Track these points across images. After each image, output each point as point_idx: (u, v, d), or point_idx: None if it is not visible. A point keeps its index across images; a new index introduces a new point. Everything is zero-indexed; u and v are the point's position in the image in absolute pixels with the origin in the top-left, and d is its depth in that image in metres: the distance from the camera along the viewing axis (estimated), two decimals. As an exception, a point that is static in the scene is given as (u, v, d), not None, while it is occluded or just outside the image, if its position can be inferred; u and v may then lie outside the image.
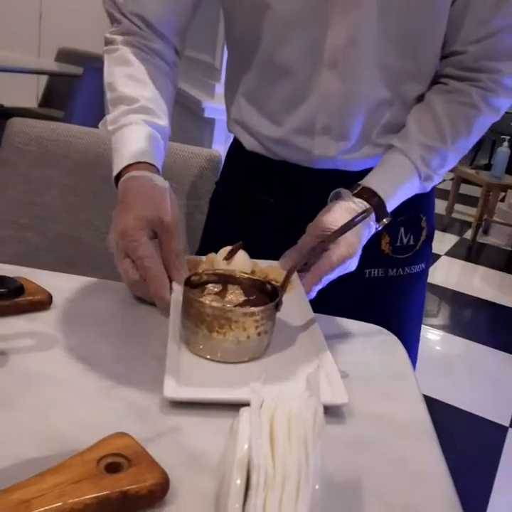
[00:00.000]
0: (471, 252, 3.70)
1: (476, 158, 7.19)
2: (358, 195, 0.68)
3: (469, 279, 3.30)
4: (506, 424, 1.86)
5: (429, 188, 0.73)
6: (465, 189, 4.34)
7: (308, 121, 0.72)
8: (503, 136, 3.82)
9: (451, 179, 4.10)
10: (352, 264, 0.65)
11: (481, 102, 0.70)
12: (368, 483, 0.41)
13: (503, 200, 4.35)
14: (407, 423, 0.50)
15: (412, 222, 0.79)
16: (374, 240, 0.72)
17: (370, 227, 0.67)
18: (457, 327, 2.61)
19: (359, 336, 0.63)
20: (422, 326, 2.67)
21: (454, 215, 4.10)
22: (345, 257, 0.63)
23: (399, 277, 0.80)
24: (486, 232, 4.04)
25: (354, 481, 0.41)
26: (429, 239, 0.82)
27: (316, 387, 0.33)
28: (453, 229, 4.05)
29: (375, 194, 0.68)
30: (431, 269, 3.15)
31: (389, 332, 0.65)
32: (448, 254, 3.55)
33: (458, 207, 4.14)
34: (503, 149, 3.73)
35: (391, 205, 0.70)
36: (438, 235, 3.91)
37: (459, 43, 0.69)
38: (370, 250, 0.71)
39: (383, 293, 0.80)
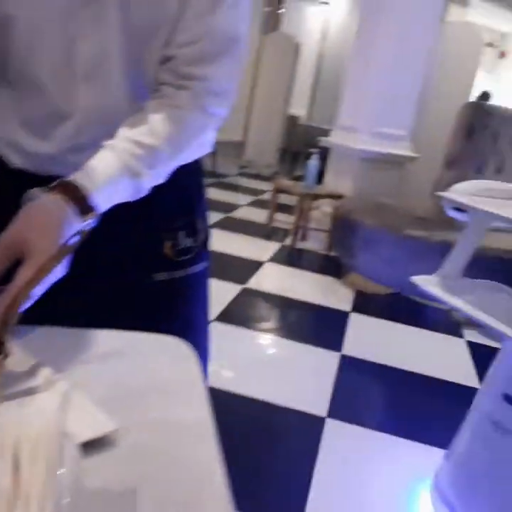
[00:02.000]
0: (292, 258, 3.96)
1: (294, 171, 7.74)
2: (52, 191, 0.62)
3: (292, 283, 3.53)
4: (324, 415, 2.01)
5: (145, 187, 0.72)
6: (284, 199, 4.63)
7: (75, 136, 0.73)
8: (312, 150, 4.17)
9: (272, 190, 4.35)
10: (60, 268, 0.59)
11: (191, 106, 0.73)
12: (148, 487, 0.42)
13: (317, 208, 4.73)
14: (190, 427, 0.52)
15: (189, 226, 0.86)
16: (157, 247, 0.77)
17: (70, 223, 0.60)
18: (284, 329, 2.77)
19: (147, 347, 0.65)
20: (253, 331, 2.77)
21: (275, 223, 4.36)
22: (46, 265, 0.55)
23: (185, 278, 0.86)
24: (304, 238, 4.36)
25: (132, 488, 0.42)
26: (206, 239, 0.91)
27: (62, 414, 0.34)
28: (275, 236, 4.30)
29: (74, 188, 0.63)
30: (257, 276, 3.35)
31: (178, 339, 0.67)
32: (271, 260, 3.75)
33: (278, 216, 4.41)
34: (312, 162, 4.06)
35: (101, 200, 0.65)
36: (262, 243, 4.12)
37: (171, 47, 0.72)
38: (155, 256, 0.74)
39: (173, 296, 0.85)
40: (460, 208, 1.37)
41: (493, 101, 7.55)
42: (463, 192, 1.43)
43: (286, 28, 7.78)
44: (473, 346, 2.84)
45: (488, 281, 1.48)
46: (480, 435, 1.42)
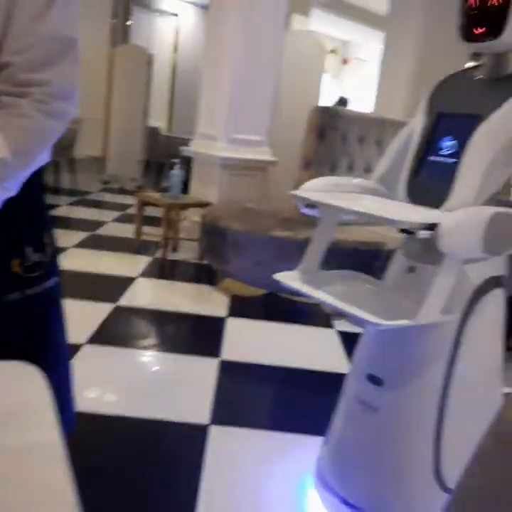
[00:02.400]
0: (163, 270, 3.92)
1: (159, 182, 7.67)
2: None
3: (166, 295, 3.48)
4: (207, 422, 2.01)
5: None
6: (152, 212, 4.56)
7: None
8: (174, 160, 4.16)
9: (136, 203, 4.26)
10: None
11: (35, 113, 0.72)
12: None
13: (185, 218, 4.73)
14: (39, 451, 0.49)
15: (36, 240, 0.82)
16: (4, 265, 0.73)
17: None
18: (162, 343, 2.72)
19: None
20: (130, 349, 2.68)
21: (144, 237, 4.28)
22: None
23: (38, 295, 0.83)
24: (175, 250, 4.33)
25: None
26: (55, 252, 0.88)
27: None
28: (144, 251, 4.23)
29: None
30: (129, 292, 3.26)
31: (26, 363, 0.64)
32: (143, 275, 3.68)
33: (146, 229, 4.33)
34: (175, 172, 4.05)
35: None
36: (131, 258, 4.03)
37: (4, 54, 0.70)
38: (4, 276, 0.71)
39: (29, 315, 0.82)
40: (312, 205, 1.44)
41: (350, 106, 8.08)
42: (312, 189, 1.50)
43: (137, 39, 7.70)
44: (342, 335, 3.00)
45: (344, 270, 1.57)
46: (350, 416, 1.50)
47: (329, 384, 2.41)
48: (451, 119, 1.43)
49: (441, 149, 1.43)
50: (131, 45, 7.39)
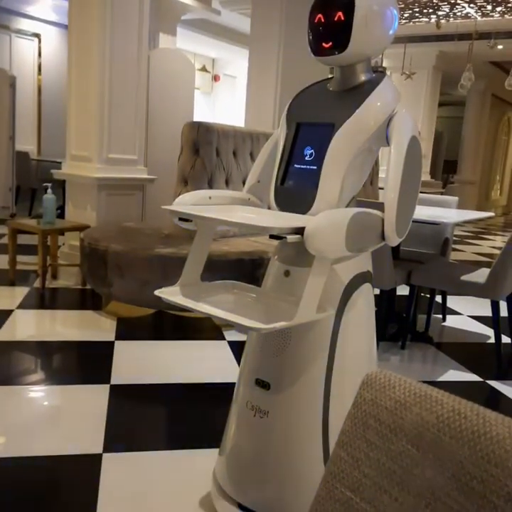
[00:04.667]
0: (44, 300, 3.72)
1: (32, 207, 7.30)
2: None
3: (49, 326, 3.31)
4: (100, 451, 1.93)
5: None
6: (28, 239, 4.32)
7: None
8: (45, 184, 3.98)
9: (5, 226, 4.01)
10: None
11: None
12: None
13: (64, 244, 4.54)
14: None
15: None
16: None
17: None
18: (50, 376, 2.57)
19: None
20: (14, 387, 2.49)
21: (19, 266, 4.04)
22: None
23: None
24: (55, 277, 4.13)
25: None
26: None
27: None
28: (21, 281, 3.99)
29: None
30: (7, 326, 3.05)
31: None
32: (21, 307, 3.47)
33: (21, 258, 4.09)
34: (48, 196, 3.88)
35: None
36: (6, 290, 3.78)
37: None
38: None
39: None
40: (185, 219, 1.45)
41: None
42: (185, 203, 1.52)
43: (-4, 61, 7.30)
44: (233, 345, 3.04)
45: (224, 281, 1.60)
46: (242, 422, 1.52)
47: (222, 394, 2.43)
48: (310, 128, 1.52)
49: (303, 157, 1.51)
50: (-10, 67, 6.98)
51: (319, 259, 1.29)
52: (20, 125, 7.18)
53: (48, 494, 1.70)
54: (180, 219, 1.45)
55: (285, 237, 1.24)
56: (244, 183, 3.92)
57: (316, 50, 1.48)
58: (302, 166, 1.50)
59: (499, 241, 8.36)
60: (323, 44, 1.45)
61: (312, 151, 1.49)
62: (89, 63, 4.08)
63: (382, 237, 1.40)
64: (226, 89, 11.02)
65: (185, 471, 1.86)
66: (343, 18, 1.40)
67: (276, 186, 1.54)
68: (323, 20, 1.43)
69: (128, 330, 3.21)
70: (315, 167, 1.46)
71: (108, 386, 2.44)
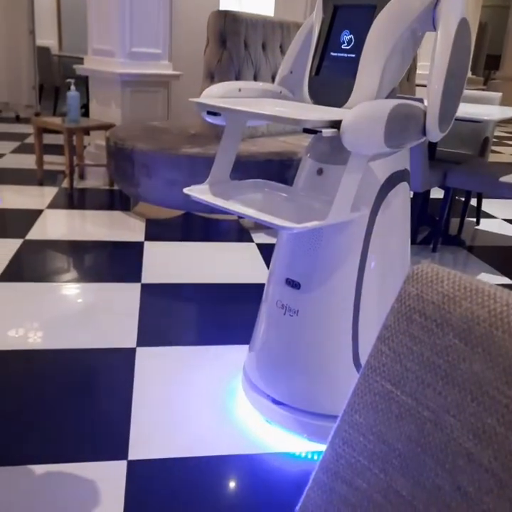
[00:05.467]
0: (73, 200, 3.74)
1: (57, 106, 7.17)
2: None
3: (79, 225, 3.35)
4: (133, 345, 2.00)
5: None
6: (53, 139, 4.28)
7: None
8: (68, 80, 3.86)
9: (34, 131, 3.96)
10: None
11: None
12: None
13: (89, 144, 4.49)
14: None
15: None
16: None
17: None
18: (80, 274, 2.63)
19: None
20: (46, 283, 2.56)
21: (46, 166, 4.03)
22: None
23: None
24: (82, 177, 4.12)
25: None
26: None
27: None
28: (49, 181, 3.99)
29: None
30: (37, 226, 3.10)
31: None
32: (51, 207, 3.50)
33: (47, 158, 4.07)
34: (72, 93, 3.77)
35: None
36: (36, 190, 3.80)
37: None
38: None
39: None
40: (215, 112, 1.38)
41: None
42: (214, 95, 1.44)
43: None
44: (261, 247, 3.04)
45: (255, 180, 1.55)
46: (272, 320, 1.54)
47: (251, 294, 2.46)
48: (348, 10, 1.39)
49: (341, 44, 1.39)
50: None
51: (355, 155, 1.23)
52: (39, 17, 6.88)
53: (86, 383, 1.79)
54: (209, 113, 1.38)
55: (320, 131, 1.17)
56: (273, 78, 3.75)
57: None
58: (339, 54, 1.39)
59: (540, 142, 7.98)
60: None
61: (351, 36, 1.37)
62: None
63: (424, 132, 1.32)
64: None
65: (217, 364, 1.92)
66: None
67: (310, 77, 1.44)
68: None
69: (157, 231, 3.23)
70: (353, 55, 1.36)
71: (139, 285, 2.49)
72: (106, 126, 3.85)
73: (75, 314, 2.22)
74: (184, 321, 2.27)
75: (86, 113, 4.70)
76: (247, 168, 3.17)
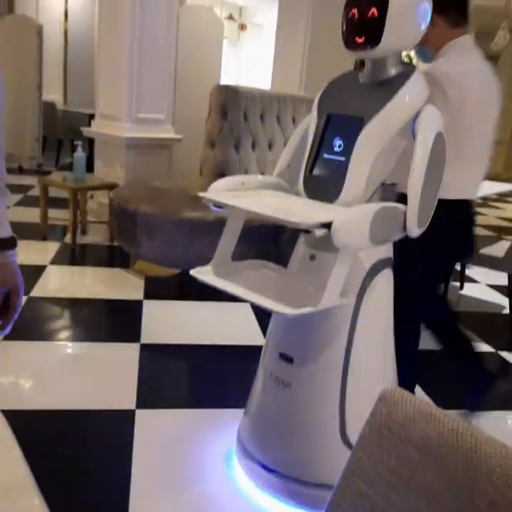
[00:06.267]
0: (75, 256, 3.89)
1: (59, 158, 7.41)
2: None
3: (80, 282, 3.48)
4: (133, 407, 2.11)
5: None
6: (56, 192, 4.45)
7: None
8: (76, 142, 4.08)
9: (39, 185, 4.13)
10: None
11: None
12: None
13: (92, 197, 4.67)
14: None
15: None
16: None
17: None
18: (80, 332, 2.75)
19: None
20: (47, 342, 2.65)
21: (50, 221, 4.19)
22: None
23: None
24: (84, 232, 4.29)
25: None
26: None
27: None
28: (52, 235, 4.15)
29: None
30: (41, 282, 3.23)
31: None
32: (54, 263, 3.64)
33: (52, 212, 4.24)
34: (78, 154, 3.98)
35: None
36: (39, 245, 3.95)
37: None
38: None
39: None
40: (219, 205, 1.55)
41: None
42: (220, 189, 1.61)
43: (23, 10, 7.26)
44: (256, 308, 3.18)
45: (252, 260, 1.71)
46: (266, 390, 1.67)
47: (246, 357, 2.59)
48: (340, 119, 1.58)
49: (333, 147, 1.58)
50: (17, 16, 6.95)
51: (344, 250, 1.39)
52: (47, 73, 7.20)
53: (82, 446, 1.89)
54: (215, 205, 1.55)
55: (313, 231, 1.33)
56: (270, 146, 3.98)
57: (348, 43, 1.52)
58: (331, 156, 1.57)
59: (523, 204, 8.29)
60: (356, 38, 1.50)
61: (341, 142, 1.56)
62: (118, 20, 4.08)
63: (404, 229, 1.49)
64: (253, 38, 10.80)
65: (212, 428, 2.03)
66: (376, 15, 1.44)
67: (305, 173, 1.62)
68: (357, 15, 1.48)
69: (155, 289, 3.37)
70: (343, 158, 1.54)
71: (138, 345, 2.62)
72: (110, 186, 4.04)
73: (75, 374, 2.34)
74: (182, 383, 2.38)
75: (89, 166, 4.90)
76: (242, 232, 3.34)
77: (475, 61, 1.95)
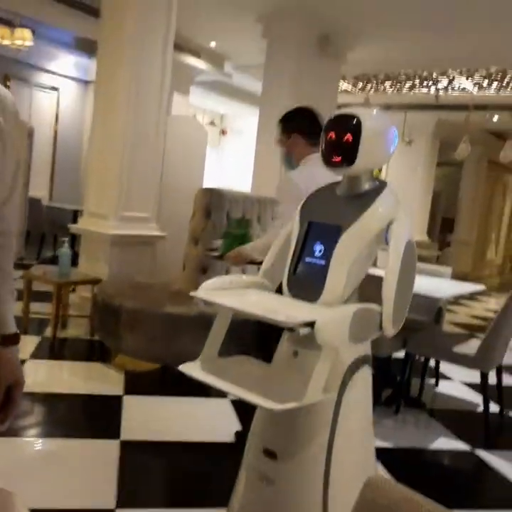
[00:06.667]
0: (54, 350, 3.88)
1: (41, 252, 7.52)
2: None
3: (59, 377, 3.47)
4: (112, 506, 2.08)
5: None
6: (38, 286, 4.50)
7: None
8: (63, 239, 4.21)
9: (21, 277, 4.18)
10: None
11: None
12: None
13: (74, 290, 4.73)
14: None
15: None
16: None
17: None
18: (57, 428, 2.72)
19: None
20: (23, 439, 2.63)
21: (32, 315, 4.22)
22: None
23: None
24: (64, 326, 4.31)
25: None
26: None
27: None
28: (32, 329, 4.16)
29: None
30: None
31: None
32: (34, 357, 3.63)
33: (33, 306, 4.28)
34: (64, 250, 4.09)
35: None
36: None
37: None
38: None
39: None
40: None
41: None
42: (209, 288, 1.72)
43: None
44: (235, 403, 3.19)
45: (238, 356, 1.79)
46: (250, 487, 1.69)
47: (227, 454, 2.58)
48: (320, 227, 1.74)
49: (313, 252, 1.73)
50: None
51: (326, 348, 1.49)
52: (35, 171, 7.49)
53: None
54: (205, 302, 1.65)
55: (296, 329, 1.44)
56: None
57: (327, 161, 1.72)
58: (312, 260, 1.72)
59: (493, 303, 8.57)
60: (334, 158, 1.69)
61: (321, 247, 1.71)
62: (111, 127, 4.37)
63: (381, 328, 1.60)
64: (233, 141, 11.47)
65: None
66: (351, 140, 1.64)
67: (289, 275, 1.75)
68: (334, 138, 1.68)
69: (136, 384, 3.37)
70: (323, 262, 1.68)
71: (118, 441, 2.59)
72: (93, 281, 4.13)
73: (50, 471, 2.30)
74: (164, 482, 2.35)
75: (72, 259, 4.99)
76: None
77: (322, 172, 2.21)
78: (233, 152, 11.38)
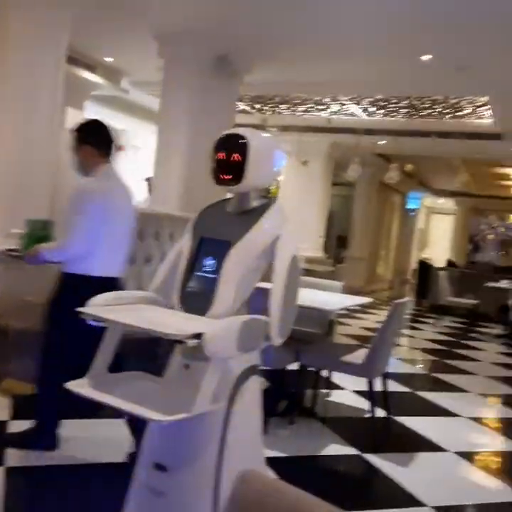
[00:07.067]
0: None
1: None
2: None
3: None
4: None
5: None
6: None
7: None
8: None
9: None
10: None
11: None
12: None
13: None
14: None
15: None
16: None
17: None
18: None
19: None
20: None
21: None
22: None
23: None
24: None
25: None
26: None
27: None
28: None
29: None
30: None
31: None
32: None
33: None
34: None
35: None
36: None
37: None
38: None
39: None
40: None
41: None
42: (100, 303, 1.71)
43: None
44: (131, 424, 3.12)
45: (129, 372, 1.79)
46: (140, 503, 1.68)
47: (120, 474, 2.52)
48: (210, 242, 1.80)
49: (204, 266, 1.77)
50: None
51: (215, 359, 1.53)
52: None
53: None
54: (94, 319, 1.64)
55: (185, 342, 1.47)
56: (147, 261, 4.14)
57: (217, 179, 1.78)
58: (203, 274, 1.76)
59: (383, 316, 9.07)
60: (224, 176, 1.76)
61: (212, 262, 1.76)
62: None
63: (268, 338, 1.68)
64: (131, 158, 11.32)
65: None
66: (239, 159, 1.72)
67: (180, 289, 1.78)
68: (223, 157, 1.75)
69: (24, 408, 3.20)
70: (214, 276, 1.73)
71: (2, 468, 2.46)
72: (-22, 301, 3.89)
73: None
74: (50, 508, 2.25)
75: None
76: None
77: (115, 181, 2.68)
78: (130, 168, 11.22)
